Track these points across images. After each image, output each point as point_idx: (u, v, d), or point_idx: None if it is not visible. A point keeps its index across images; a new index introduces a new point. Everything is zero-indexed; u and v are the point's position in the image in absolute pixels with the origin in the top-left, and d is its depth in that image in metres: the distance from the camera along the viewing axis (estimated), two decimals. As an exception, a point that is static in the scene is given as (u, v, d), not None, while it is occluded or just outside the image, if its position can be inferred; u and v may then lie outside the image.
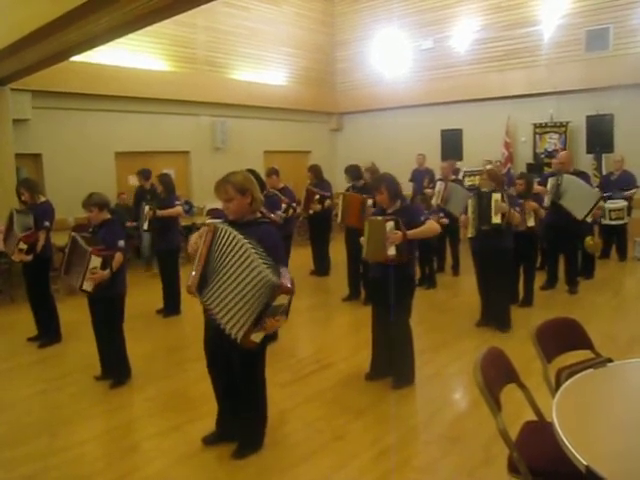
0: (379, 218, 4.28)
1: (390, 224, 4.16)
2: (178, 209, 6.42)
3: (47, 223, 5.51)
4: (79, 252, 4.32)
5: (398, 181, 4.40)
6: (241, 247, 2.86)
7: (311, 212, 7.85)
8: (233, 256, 2.87)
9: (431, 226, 4.27)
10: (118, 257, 4.39)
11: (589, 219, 6.55)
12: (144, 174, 8.65)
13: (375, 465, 3.27)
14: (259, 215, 3.25)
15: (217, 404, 3.51)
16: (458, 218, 8.16)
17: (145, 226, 6.44)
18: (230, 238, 2.90)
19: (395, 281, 4.13)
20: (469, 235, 5.69)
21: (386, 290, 4.15)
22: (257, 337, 2.91)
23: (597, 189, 6.97)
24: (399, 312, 4.25)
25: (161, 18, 5.23)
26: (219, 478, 3.17)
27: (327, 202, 7.76)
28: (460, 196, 7.78)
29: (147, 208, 6.35)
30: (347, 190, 7.00)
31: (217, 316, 2.93)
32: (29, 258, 5.38)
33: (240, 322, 2.87)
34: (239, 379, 3.34)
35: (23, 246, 5.32)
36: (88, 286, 4.25)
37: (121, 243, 4.43)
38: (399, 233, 4.11)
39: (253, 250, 2.85)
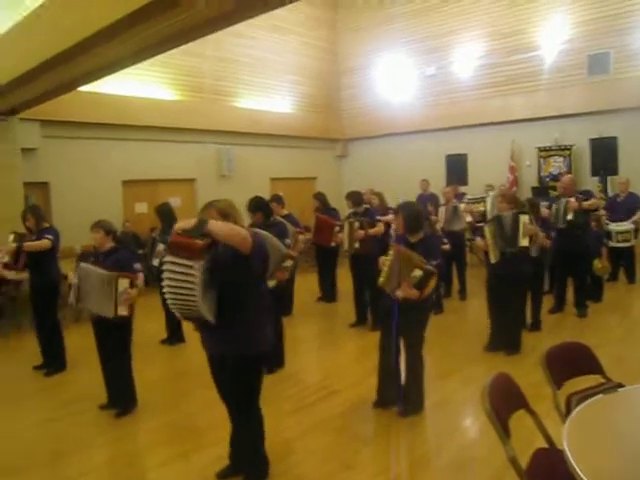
0: (413, 255, 4.04)
1: (418, 273, 3.94)
2: None
3: (49, 236, 5.50)
4: (94, 280, 4.31)
5: (421, 213, 4.38)
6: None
7: (333, 245, 7.74)
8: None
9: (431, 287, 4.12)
10: (141, 277, 4.44)
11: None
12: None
13: (384, 495, 3.21)
14: None
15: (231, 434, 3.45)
16: (464, 237, 8.22)
17: (156, 263, 6.39)
18: None
19: (408, 311, 4.06)
20: (492, 261, 5.59)
21: (399, 320, 4.11)
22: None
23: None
24: (412, 342, 4.21)
25: (169, 48, 5.32)
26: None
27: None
28: (460, 214, 7.94)
29: (162, 247, 6.28)
30: (349, 216, 7.00)
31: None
32: (6, 273, 5.36)
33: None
34: (232, 402, 3.28)
35: (5, 258, 5.32)
36: (123, 310, 4.24)
37: (137, 266, 4.46)
38: (415, 292, 3.95)
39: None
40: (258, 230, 3.44)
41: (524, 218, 5.41)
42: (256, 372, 3.22)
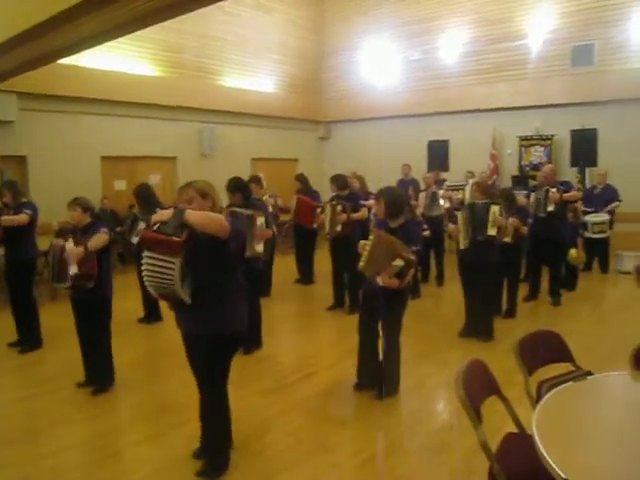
0: (394, 241, 4.04)
1: (400, 263, 3.95)
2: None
3: (28, 211, 5.43)
4: (58, 255, 4.36)
5: (402, 199, 4.40)
6: None
7: (315, 226, 7.80)
8: None
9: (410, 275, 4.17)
10: (98, 237, 4.35)
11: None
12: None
13: (357, 475, 3.27)
14: None
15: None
16: (443, 223, 8.27)
17: (135, 240, 6.33)
18: None
19: (388, 296, 4.09)
20: (461, 247, 5.68)
21: (378, 304, 4.14)
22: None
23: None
24: (390, 326, 4.26)
25: (151, 22, 5.21)
26: (200, 487, 3.14)
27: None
28: (439, 200, 8.12)
29: (143, 226, 6.21)
30: (332, 199, 7.01)
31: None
32: None
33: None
34: (202, 381, 3.29)
35: None
36: (74, 268, 4.27)
37: (104, 230, 4.42)
38: (396, 281, 3.99)
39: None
40: (233, 209, 3.41)
41: (495, 209, 5.49)
42: (229, 352, 3.23)
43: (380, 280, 4.02)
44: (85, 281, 4.32)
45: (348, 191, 6.94)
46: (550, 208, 6.75)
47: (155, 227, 2.85)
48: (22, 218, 5.35)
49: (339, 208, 6.67)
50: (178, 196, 3.21)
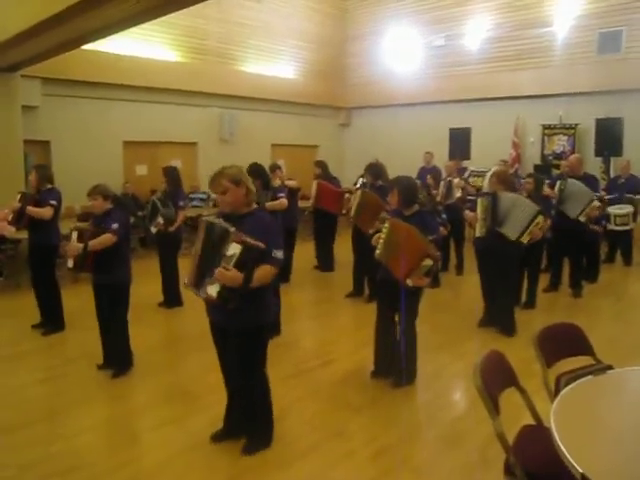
0: (412, 231, 3.97)
1: (429, 263, 3.90)
2: (181, 217, 6.50)
3: (53, 202, 5.52)
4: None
5: (415, 187, 4.37)
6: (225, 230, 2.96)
7: (344, 212, 7.72)
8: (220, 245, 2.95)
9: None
10: (103, 238, 4.34)
11: (582, 218, 6.58)
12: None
13: (372, 464, 3.28)
14: (254, 207, 3.23)
15: (227, 399, 3.50)
16: (461, 213, 8.14)
17: (154, 230, 6.41)
18: (220, 231, 2.98)
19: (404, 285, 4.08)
20: (477, 235, 5.57)
21: (395, 291, 4.14)
22: (212, 289, 2.94)
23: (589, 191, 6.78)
24: (406, 313, 4.25)
25: (175, 9, 5.24)
26: (217, 471, 3.18)
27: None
28: (453, 188, 8.15)
29: (161, 220, 6.28)
30: (364, 185, 6.83)
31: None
32: (10, 228, 5.39)
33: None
34: (236, 368, 3.31)
35: (10, 215, 5.39)
36: (70, 262, 4.39)
37: (114, 226, 4.38)
38: (425, 280, 3.98)
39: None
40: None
41: (540, 219, 5.31)
42: (265, 340, 3.28)
43: (410, 282, 3.97)
44: (80, 272, 4.43)
45: (381, 182, 6.79)
46: (582, 219, 6.60)
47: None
48: (46, 213, 5.44)
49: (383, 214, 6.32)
50: (211, 186, 3.18)
